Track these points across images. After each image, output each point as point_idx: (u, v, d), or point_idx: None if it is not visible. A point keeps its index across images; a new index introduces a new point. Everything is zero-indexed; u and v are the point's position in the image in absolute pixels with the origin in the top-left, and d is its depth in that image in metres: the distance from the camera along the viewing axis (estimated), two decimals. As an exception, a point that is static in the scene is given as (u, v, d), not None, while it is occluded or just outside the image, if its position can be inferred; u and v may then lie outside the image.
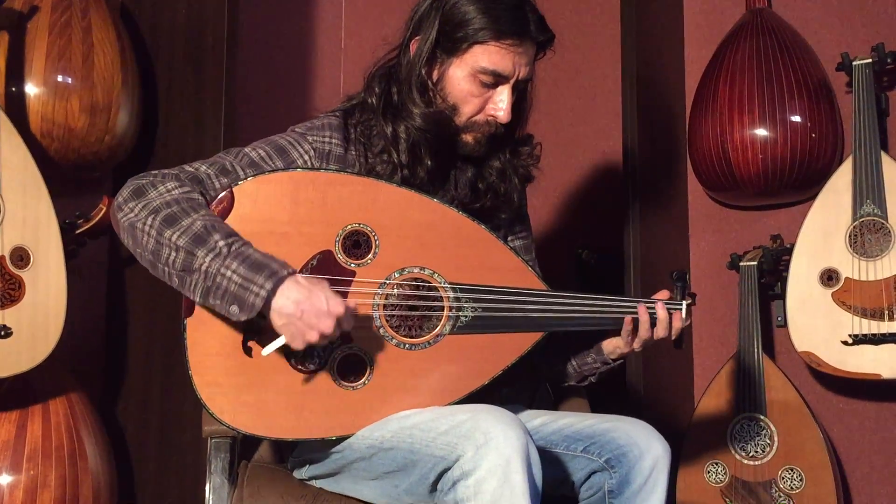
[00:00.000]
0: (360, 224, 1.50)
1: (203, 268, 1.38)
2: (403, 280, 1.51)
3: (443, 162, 1.64)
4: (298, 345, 1.40)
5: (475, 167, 1.67)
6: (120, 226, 1.46)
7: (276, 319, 1.39)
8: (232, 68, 2.40)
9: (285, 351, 1.47)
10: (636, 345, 1.60)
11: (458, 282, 1.52)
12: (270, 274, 1.37)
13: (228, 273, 1.37)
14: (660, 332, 1.58)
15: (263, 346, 1.44)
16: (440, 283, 1.52)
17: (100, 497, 2.24)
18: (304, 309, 1.37)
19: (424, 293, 1.52)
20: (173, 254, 1.40)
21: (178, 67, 2.53)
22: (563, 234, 3.01)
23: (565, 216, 3.02)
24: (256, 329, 1.46)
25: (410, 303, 1.52)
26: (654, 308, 1.57)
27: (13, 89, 2.28)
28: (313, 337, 1.39)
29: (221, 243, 1.39)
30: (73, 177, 2.48)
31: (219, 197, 1.47)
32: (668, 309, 1.58)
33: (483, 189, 1.67)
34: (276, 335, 1.42)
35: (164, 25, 2.59)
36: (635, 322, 1.58)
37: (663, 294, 1.61)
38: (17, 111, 2.26)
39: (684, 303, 1.59)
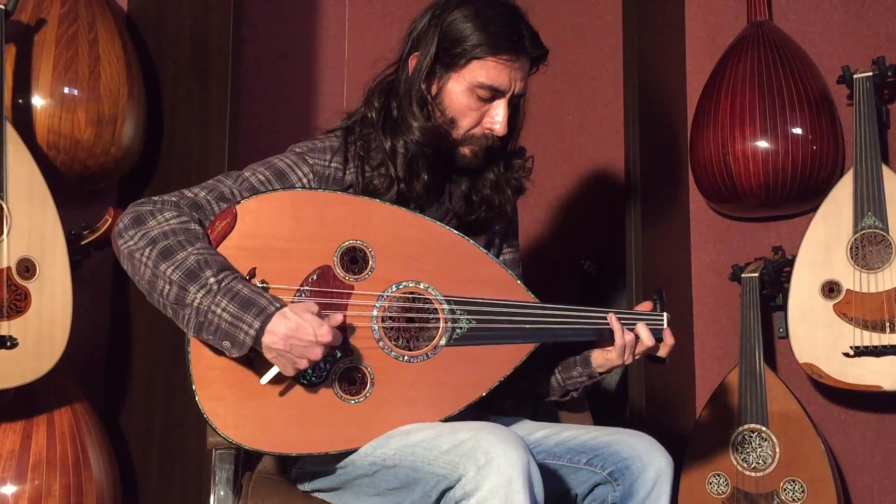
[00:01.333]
0: (356, 241, 1.53)
1: (195, 304, 1.41)
2: (400, 294, 1.54)
3: (438, 176, 1.68)
4: (290, 372, 1.44)
5: (470, 180, 1.71)
6: (120, 252, 1.50)
7: (267, 353, 1.43)
8: (237, 80, 2.40)
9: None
10: (627, 357, 1.64)
11: (452, 295, 1.55)
12: (258, 312, 1.40)
13: (218, 311, 1.40)
14: (644, 341, 1.63)
15: (265, 361, 1.46)
16: (435, 296, 1.55)
17: (104, 507, 2.24)
18: (293, 343, 1.40)
19: (420, 305, 1.55)
20: (167, 287, 1.43)
21: (184, 79, 2.54)
22: (565, 245, 3.01)
23: (567, 227, 3.02)
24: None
25: (408, 315, 1.54)
26: (633, 323, 1.63)
27: (20, 101, 2.29)
28: (303, 364, 1.43)
29: (212, 280, 1.41)
30: (79, 188, 2.49)
31: (222, 213, 1.50)
32: (645, 319, 1.63)
33: (477, 201, 1.70)
34: None
35: (169, 37, 2.60)
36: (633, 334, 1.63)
37: (646, 305, 1.67)
38: (24, 123, 2.27)
39: (665, 315, 1.66)
